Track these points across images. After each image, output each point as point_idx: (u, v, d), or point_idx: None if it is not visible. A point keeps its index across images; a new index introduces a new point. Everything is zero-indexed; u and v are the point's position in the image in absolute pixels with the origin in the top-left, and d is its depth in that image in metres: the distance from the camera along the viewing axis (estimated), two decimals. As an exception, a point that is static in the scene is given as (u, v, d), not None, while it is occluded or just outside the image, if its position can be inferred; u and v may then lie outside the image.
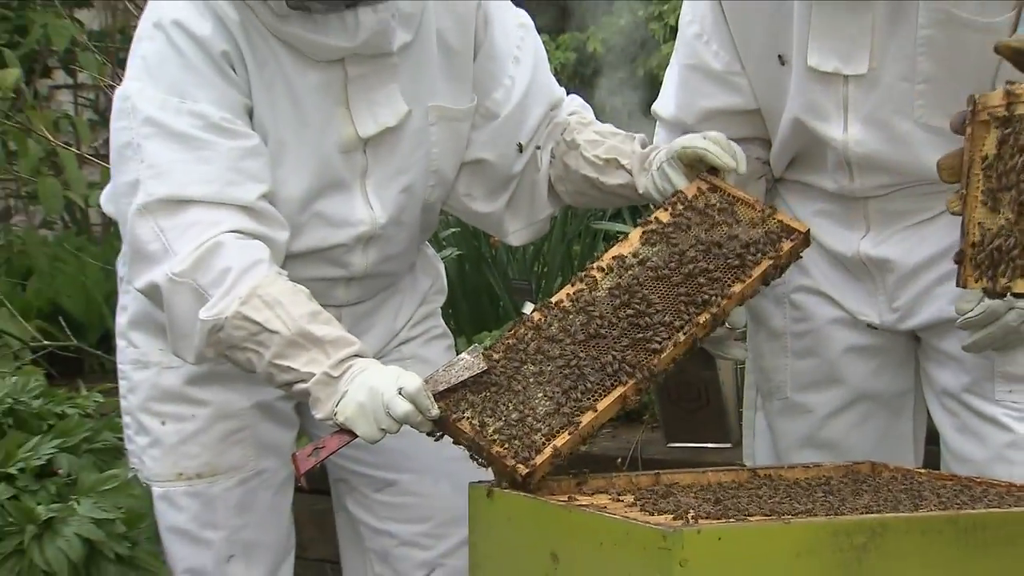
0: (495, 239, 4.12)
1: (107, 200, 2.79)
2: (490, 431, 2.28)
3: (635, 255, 2.47)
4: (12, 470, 2.61)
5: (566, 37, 6.79)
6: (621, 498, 2.23)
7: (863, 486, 2.32)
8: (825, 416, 2.83)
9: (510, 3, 2.83)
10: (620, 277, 2.44)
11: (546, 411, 2.28)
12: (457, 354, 2.45)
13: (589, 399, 2.29)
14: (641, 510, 2.11)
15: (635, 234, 2.51)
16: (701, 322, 2.36)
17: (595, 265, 2.48)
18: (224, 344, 2.42)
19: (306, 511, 3.40)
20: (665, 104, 2.83)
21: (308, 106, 2.58)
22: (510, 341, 2.41)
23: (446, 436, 2.35)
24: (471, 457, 2.32)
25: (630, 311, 2.38)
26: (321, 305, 2.46)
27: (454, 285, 4.29)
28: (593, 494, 2.28)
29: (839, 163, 2.68)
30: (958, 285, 1.94)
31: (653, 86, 4.93)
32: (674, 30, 3.10)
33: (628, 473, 2.40)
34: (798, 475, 2.44)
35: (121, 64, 2.68)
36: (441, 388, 2.34)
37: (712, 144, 2.57)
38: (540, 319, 2.43)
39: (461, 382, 2.34)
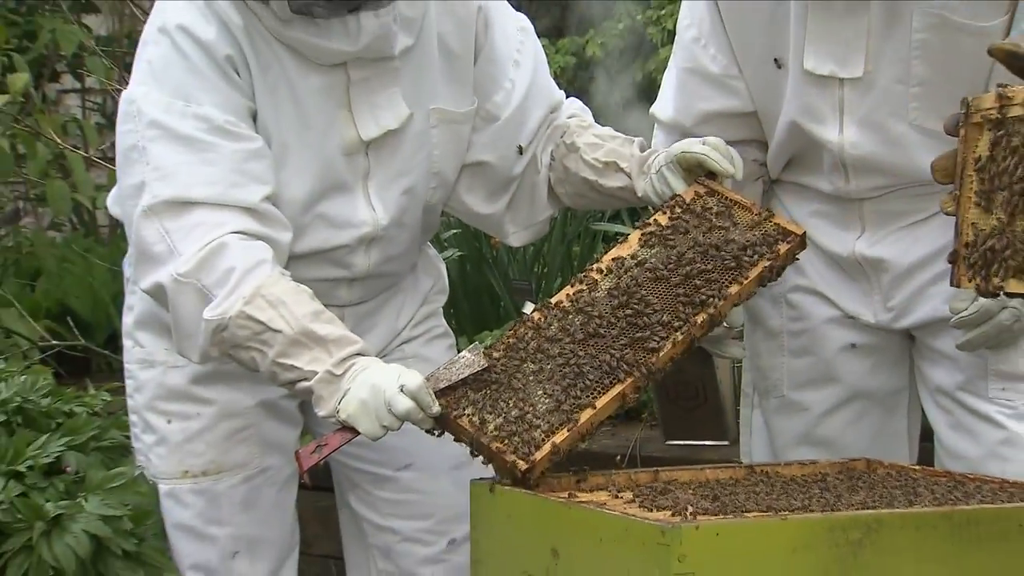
0: (496, 240, 4.12)
1: (113, 202, 2.79)
2: (490, 428, 2.28)
3: (634, 257, 2.47)
4: (21, 468, 2.60)
5: (565, 41, 6.79)
6: (620, 495, 2.23)
7: (858, 483, 2.32)
8: (821, 414, 2.83)
9: (510, 7, 2.82)
10: (619, 278, 2.44)
11: (546, 408, 2.28)
12: (458, 353, 2.45)
13: (588, 397, 2.29)
14: (640, 506, 2.11)
15: (634, 237, 2.52)
16: (699, 322, 2.36)
17: (594, 267, 2.49)
18: (228, 343, 2.42)
19: (310, 508, 3.40)
20: (663, 107, 2.83)
21: (311, 109, 2.58)
22: (510, 340, 2.41)
23: (447, 433, 2.35)
24: (471, 454, 2.32)
25: (629, 311, 2.38)
26: (324, 305, 2.46)
27: (455, 285, 4.29)
28: (593, 491, 2.28)
29: (835, 165, 2.68)
30: (952, 284, 1.94)
31: (651, 89, 4.92)
32: (672, 34, 3.09)
33: (627, 470, 2.39)
34: (794, 472, 2.44)
35: (128, 68, 2.68)
36: (442, 386, 2.34)
37: (711, 150, 2.57)
38: (540, 319, 2.43)
39: (462, 380, 2.34)
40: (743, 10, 2.67)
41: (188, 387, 2.72)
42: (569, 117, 2.84)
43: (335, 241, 2.66)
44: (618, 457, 3.78)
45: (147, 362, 2.77)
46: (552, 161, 2.81)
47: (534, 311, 2.45)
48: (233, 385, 2.72)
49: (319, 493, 3.30)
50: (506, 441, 2.25)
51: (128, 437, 2.83)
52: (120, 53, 5.90)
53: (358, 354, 2.38)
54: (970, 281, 1.90)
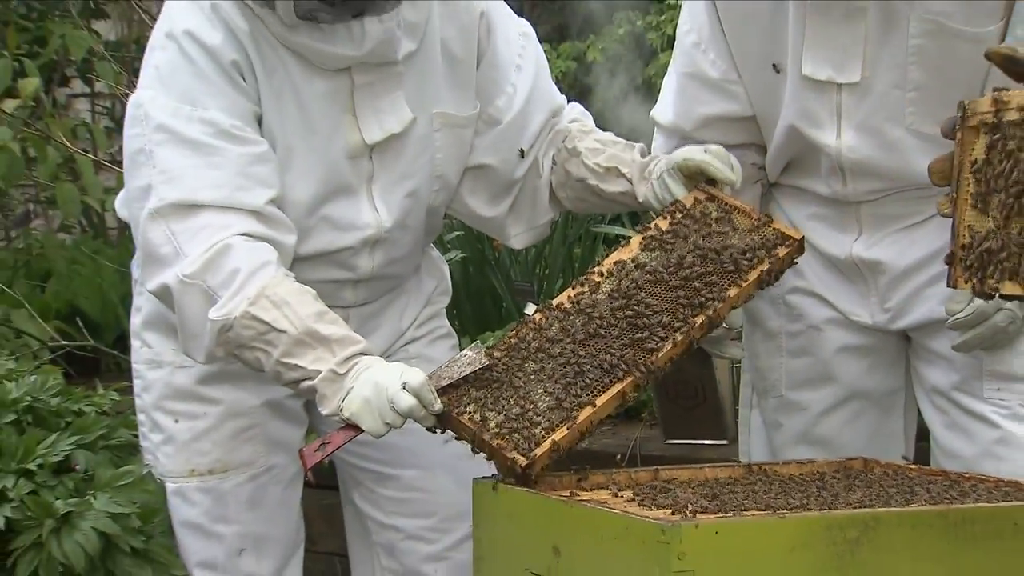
0: (498, 242, 4.12)
1: (121, 204, 2.79)
2: (491, 425, 2.28)
3: (634, 261, 2.48)
4: (31, 466, 2.60)
5: (567, 46, 6.79)
6: (621, 493, 2.23)
7: (856, 481, 2.31)
8: (819, 413, 2.83)
9: (512, 13, 2.82)
10: (620, 281, 2.45)
11: (546, 406, 2.28)
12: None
13: (588, 395, 2.29)
14: (640, 505, 2.11)
15: (635, 241, 2.52)
16: (698, 323, 2.36)
17: (595, 270, 2.49)
18: (233, 343, 2.42)
19: (315, 506, 3.40)
20: (663, 111, 2.82)
21: (316, 113, 2.58)
22: (512, 341, 2.41)
23: (448, 432, 2.35)
24: (473, 451, 2.32)
25: (629, 312, 2.38)
26: (329, 307, 2.45)
27: (458, 287, 4.29)
28: (594, 489, 2.28)
29: (832, 168, 2.68)
30: (949, 285, 1.94)
31: (651, 94, 4.92)
32: (671, 39, 3.08)
33: (628, 469, 2.39)
34: (792, 471, 2.43)
35: (136, 73, 2.67)
36: (444, 383, 2.33)
37: (713, 158, 2.57)
38: (541, 320, 2.43)
39: (463, 377, 2.34)
40: (742, 16, 2.66)
41: (195, 387, 2.72)
42: (571, 122, 2.83)
43: (340, 243, 2.66)
44: (618, 456, 3.78)
45: (155, 362, 2.77)
46: (554, 165, 2.81)
47: (536, 312, 2.46)
48: (239, 385, 2.72)
49: (324, 491, 3.29)
50: (507, 438, 2.25)
51: (136, 436, 2.83)
52: (129, 58, 5.90)
53: (361, 353, 2.37)
54: (966, 283, 1.89)
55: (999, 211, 1.83)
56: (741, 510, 2.05)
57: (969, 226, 1.88)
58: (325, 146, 2.60)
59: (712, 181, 2.57)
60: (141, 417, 2.81)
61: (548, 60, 2.92)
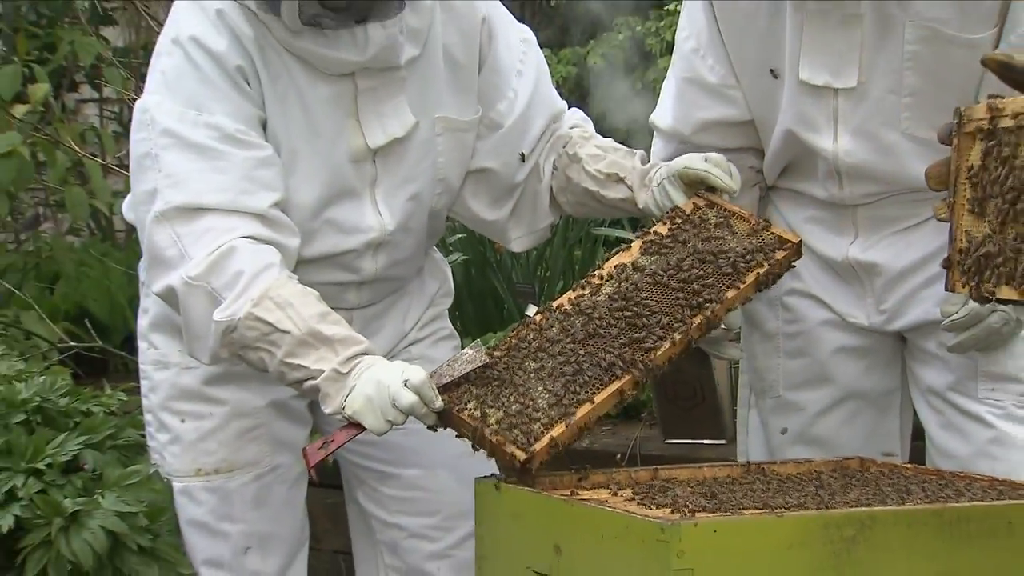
0: (500, 244, 4.12)
1: (128, 208, 2.79)
2: (491, 421, 2.28)
3: (634, 264, 2.48)
4: (40, 465, 2.60)
5: (567, 52, 6.79)
6: (621, 492, 2.22)
7: (852, 480, 2.31)
8: (816, 414, 2.82)
9: (513, 19, 2.82)
10: (619, 284, 2.45)
11: (546, 403, 2.29)
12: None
13: (587, 392, 2.29)
14: (640, 504, 2.10)
15: (635, 245, 2.53)
16: (696, 324, 2.36)
17: (596, 273, 2.50)
18: (237, 344, 2.41)
19: (320, 504, 3.40)
20: (663, 115, 2.82)
21: (319, 117, 2.58)
22: (513, 341, 2.42)
23: (449, 430, 2.35)
24: (473, 447, 2.32)
25: (628, 313, 2.39)
26: (333, 308, 2.45)
27: (460, 288, 4.29)
28: (594, 489, 2.28)
29: (829, 172, 2.68)
30: (947, 289, 1.94)
31: (650, 98, 4.92)
32: (670, 45, 3.08)
33: (627, 469, 2.39)
34: (790, 470, 2.43)
35: (144, 79, 2.67)
36: (445, 381, 2.34)
37: (713, 167, 2.57)
38: (542, 321, 2.43)
39: (464, 376, 2.34)
40: (740, 22, 2.66)
41: (201, 388, 2.72)
42: (571, 127, 2.83)
43: (343, 246, 2.66)
44: (618, 456, 3.77)
45: (161, 363, 2.77)
46: (555, 170, 2.81)
47: (537, 313, 2.46)
48: (244, 386, 2.72)
49: (328, 490, 3.29)
50: (506, 434, 2.25)
51: (143, 436, 2.83)
52: (136, 64, 5.90)
53: (364, 353, 2.37)
54: (964, 286, 1.90)
55: (995, 216, 1.84)
56: (739, 509, 2.04)
57: (966, 231, 1.88)
58: (329, 150, 2.60)
59: (711, 188, 2.58)
60: (148, 417, 2.80)
61: (549, 65, 2.92)
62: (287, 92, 2.56)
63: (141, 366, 2.82)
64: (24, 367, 3.02)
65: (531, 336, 2.41)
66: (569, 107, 2.90)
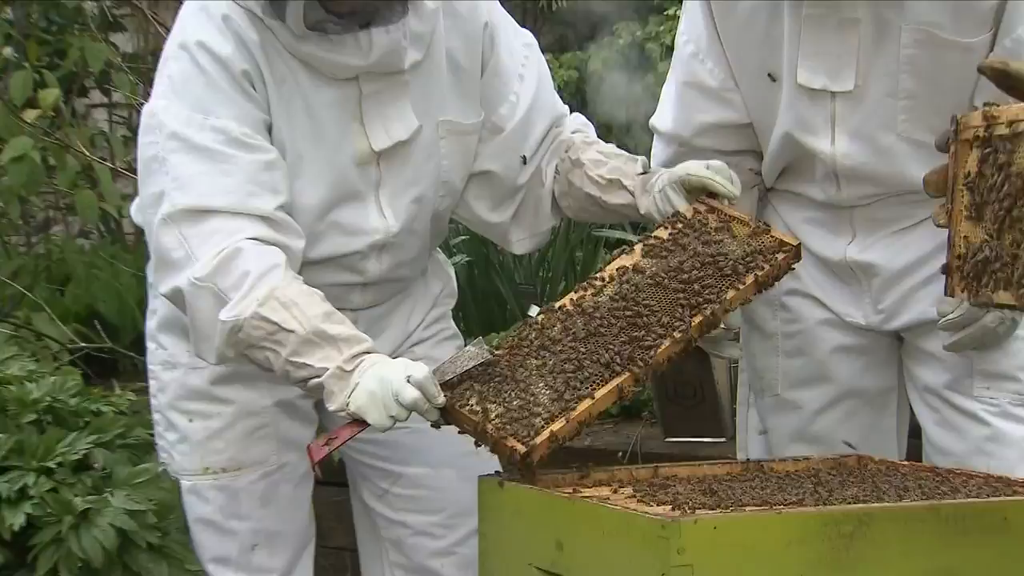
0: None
1: (136, 211, 2.78)
2: (493, 416, 2.28)
3: (636, 267, 2.48)
4: (51, 464, 2.60)
5: (568, 56, 6.79)
6: (622, 490, 2.22)
7: (850, 477, 2.31)
8: (814, 412, 2.82)
9: (515, 24, 2.82)
10: (621, 285, 2.45)
11: (547, 399, 2.29)
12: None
13: (587, 388, 2.29)
14: (640, 501, 2.10)
15: (637, 249, 2.54)
16: (695, 323, 2.36)
17: (598, 275, 2.50)
18: (243, 344, 2.41)
19: (326, 502, 3.39)
20: (662, 119, 2.82)
21: (324, 121, 2.58)
22: (515, 339, 2.42)
23: (452, 429, 2.35)
24: (475, 443, 2.32)
25: (629, 313, 2.39)
26: (338, 309, 2.45)
27: (464, 289, 4.28)
28: (595, 486, 2.28)
29: (827, 174, 2.68)
30: (946, 295, 1.94)
31: (650, 102, 4.91)
32: (670, 49, 3.08)
33: (628, 466, 2.39)
34: (789, 467, 2.43)
35: (152, 84, 2.67)
36: (447, 378, 2.34)
37: (715, 174, 2.57)
38: (544, 320, 2.44)
39: (466, 372, 2.34)
40: (739, 26, 2.66)
41: (208, 387, 2.72)
42: (573, 132, 2.83)
43: (348, 248, 2.66)
44: (620, 454, 3.77)
45: (169, 364, 2.77)
46: (557, 175, 2.81)
47: (539, 314, 2.46)
48: (251, 386, 2.72)
49: (334, 488, 3.29)
50: (507, 428, 2.25)
51: (152, 435, 2.83)
52: (145, 69, 5.89)
53: (367, 351, 2.37)
54: (963, 292, 1.90)
55: (992, 222, 1.84)
56: (739, 506, 2.04)
57: (964, 237, 1.89)
58: (334, 153, 2.60)
59: (713, 194, 2.58)
60: (156, 416, 2.80)
61: (550, 70, 2.92)
62: (292, 96, 2.55)
63: (150, 366, 2.82)
64: (35, 368, 3.02)
65: (533, 335, 2.41)
66: (570, 111, 2.90)
